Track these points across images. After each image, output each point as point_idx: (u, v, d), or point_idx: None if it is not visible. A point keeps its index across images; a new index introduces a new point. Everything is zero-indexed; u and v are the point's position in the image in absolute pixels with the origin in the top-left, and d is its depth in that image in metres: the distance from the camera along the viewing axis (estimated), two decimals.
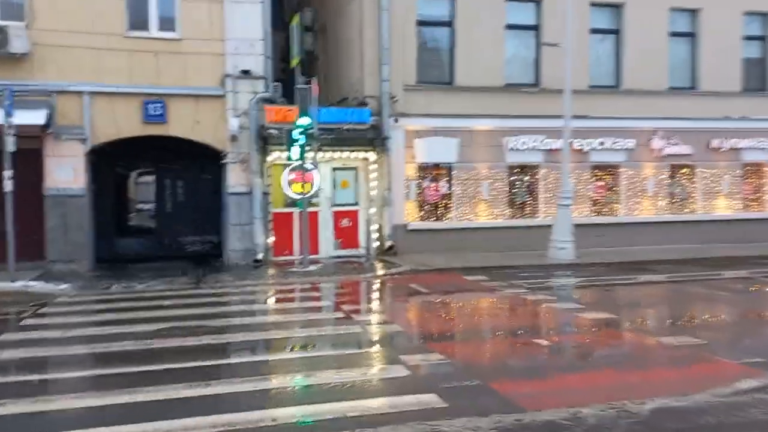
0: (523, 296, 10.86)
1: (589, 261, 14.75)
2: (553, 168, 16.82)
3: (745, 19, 18.29)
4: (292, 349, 7.58)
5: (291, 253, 15.29)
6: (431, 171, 16.34)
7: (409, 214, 16.00)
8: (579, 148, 16.78)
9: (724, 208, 18.27)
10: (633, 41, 17.28)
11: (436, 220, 16.37)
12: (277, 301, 11.30)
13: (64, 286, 11.62)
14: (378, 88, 15.64)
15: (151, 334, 8.03)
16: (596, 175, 17.50)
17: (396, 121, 15.67)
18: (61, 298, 10.92)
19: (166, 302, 10.31)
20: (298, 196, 13.92)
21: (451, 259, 14.88)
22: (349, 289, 12.21)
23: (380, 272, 13.49)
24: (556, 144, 16.66)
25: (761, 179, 18.78)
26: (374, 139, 15.44)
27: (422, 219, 16.24)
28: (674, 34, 17.74)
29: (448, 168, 16.35)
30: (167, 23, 14.21)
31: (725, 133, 17.98)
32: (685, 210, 18.11)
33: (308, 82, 13.88)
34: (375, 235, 15.74)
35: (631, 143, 17.39)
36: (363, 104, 15.63)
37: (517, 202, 16.99)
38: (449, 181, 16.41)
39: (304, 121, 13.44)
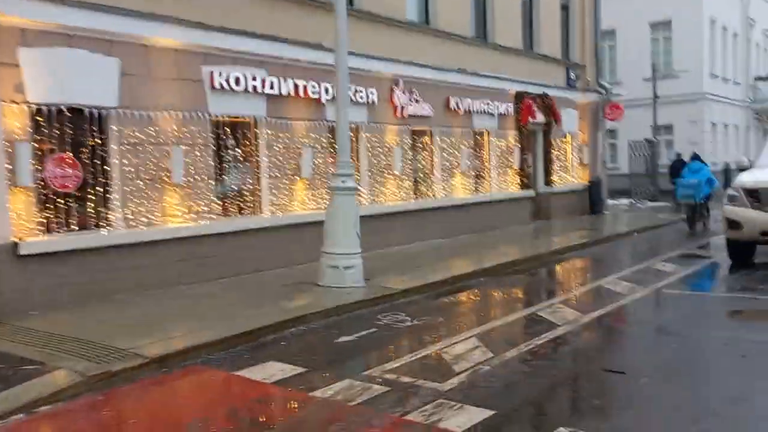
0: None
1: (387, 288, 8.20)
2: (278, 126, 9.82)
3: None
4: None
5: None
6: (62, 124, 7.48)
7: (19, 218, 6.91)
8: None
9: (461, 190, 13.69)
10: None
11: (80, 229, 7.59)
12: None
13: None
14: None
15: None
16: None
17: None
18: None
19: None
20: None
21: (118, 318, 6.65)
22: None
23: None
24: (285, 88, 9.74)
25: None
26: None
27: (49, 230, 7.29)
28: None
29: (98, 115, 7.73)
30: None
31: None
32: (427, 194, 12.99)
33: None
34: None
35: (372, 95, 11.39)
36: None
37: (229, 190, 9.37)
38: (96, 145, 7.80)
39: None
